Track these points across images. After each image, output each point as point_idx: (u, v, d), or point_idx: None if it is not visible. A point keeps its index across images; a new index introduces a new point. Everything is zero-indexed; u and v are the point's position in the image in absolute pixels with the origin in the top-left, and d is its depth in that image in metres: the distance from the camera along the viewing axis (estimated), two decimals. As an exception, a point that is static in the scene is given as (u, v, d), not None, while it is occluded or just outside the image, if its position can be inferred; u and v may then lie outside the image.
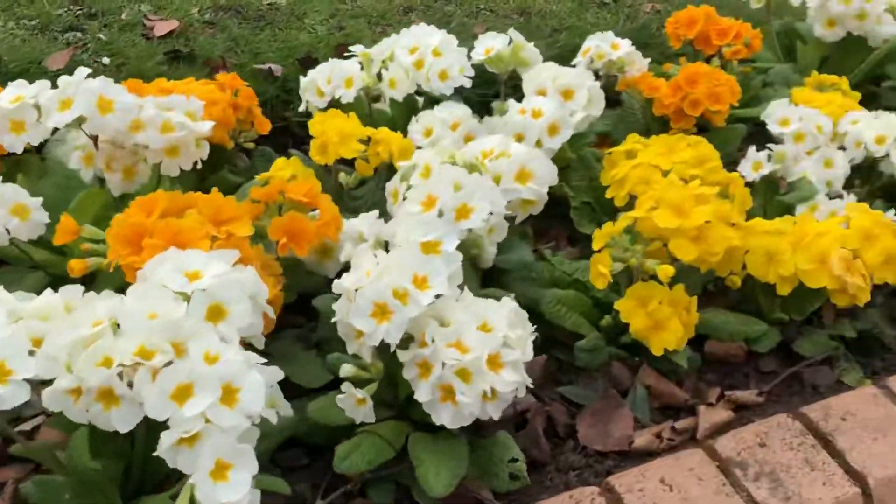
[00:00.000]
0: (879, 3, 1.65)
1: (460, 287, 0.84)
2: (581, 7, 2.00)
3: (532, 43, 1.83)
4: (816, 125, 1.34)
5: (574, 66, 1.52)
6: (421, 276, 0.79)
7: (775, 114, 1.36)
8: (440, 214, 0.89)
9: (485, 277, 1.05)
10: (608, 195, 1.19)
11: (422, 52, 1.26)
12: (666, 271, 0.95)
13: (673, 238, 0.97)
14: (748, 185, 1.35)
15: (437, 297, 0.78)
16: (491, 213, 0.93)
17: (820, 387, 1.09)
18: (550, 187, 1.26)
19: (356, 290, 0.78)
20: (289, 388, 0.94)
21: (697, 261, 0.97)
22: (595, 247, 1.00)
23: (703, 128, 1.48)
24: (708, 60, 1.62)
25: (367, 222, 0.87)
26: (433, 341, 0.77)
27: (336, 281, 0.81)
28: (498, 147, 1.04)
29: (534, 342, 1.04)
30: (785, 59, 1.84)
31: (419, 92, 1.33)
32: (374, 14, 1.80)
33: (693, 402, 1.02)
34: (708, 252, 0.97)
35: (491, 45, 1.35)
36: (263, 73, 1.51)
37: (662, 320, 0.98)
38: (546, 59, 1.74)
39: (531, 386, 0.82)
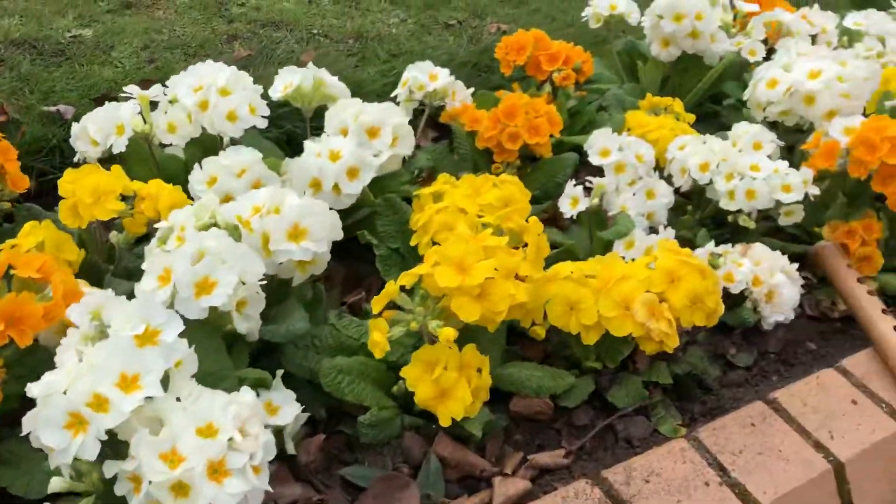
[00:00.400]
0: (712, 21, 1.63)
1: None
2: (423, 29, 1.92)
3: (366, 69, 1.75)
4: (637, 155, 1.29)
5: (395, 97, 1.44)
6: (131, 374, 0.67)
7: (596, 144, 1.31)
8: (176, 291, 0.78)
9: (261, 350, 0.94)
10: (412, 242, 1.11)
11: (206, 92, 1.14)
12: (447, 334, 0.87)
13: (455, 297, 0.89)
14: (574, 219, 1.30)
15: (150, 398, 0.67)
16: (244, 283, 0.83)
17: (634, 439, 1.02)
18: (358, 232, 1.17)
19: (47, 397, 0.66)
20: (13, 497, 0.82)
21: (482, 320, 0.89)
22: (375, 310, 0.91)
23: (534, 158, 1.43)
24: (540, 86, 1.57)
25: (82, 306, 0.75)
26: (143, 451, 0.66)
27: (28, 385, 0.69)
28: (269, 201, 0.94)
29: (316, 418, 0.96)
30: (628, 78, 1.80)
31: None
32: (192, 44, 1.67)
33: (493, 472, 0.94)
34: (492, 311, 0.89)
35: (289, 80, 1.25)
36: (52, 116, 1.37)
37: (448, 388, 0.89)
38: (380, 87, 1.67)
39: (270, 489, 0.72)
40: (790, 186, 1.25)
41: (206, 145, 1.22)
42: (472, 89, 1.45)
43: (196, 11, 1.78)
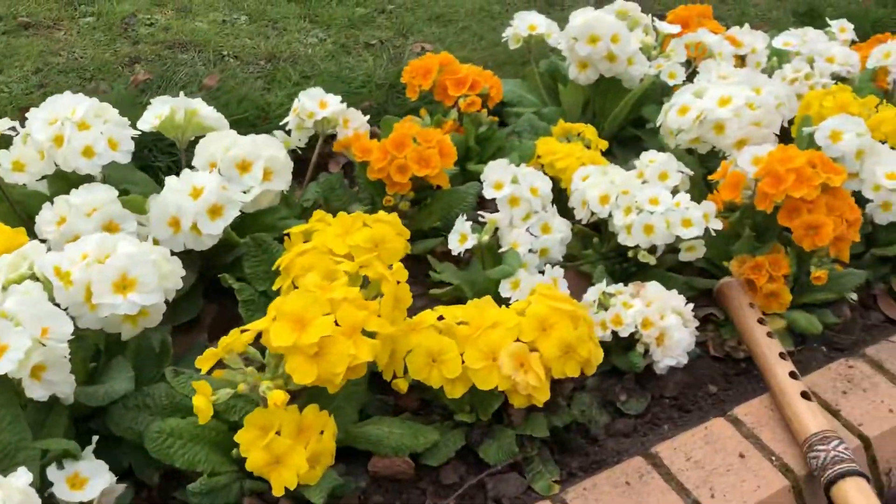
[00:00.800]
0: (629, 43, 1.57)
1: None
2: (342, 49, 1.86)
3: (275, 92, 1.69)
4: (531, 188, 1.23)
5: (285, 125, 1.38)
6: None
7: (490, 176, 1.25)
8: (-42, 358, 0.71)
9: (94, 411, 0.87)
10: (274, 287, 1.04)
11: (61, 126, 1.07)
12: (275, 398, 0.80)
13: (290, 356, 0.82)
14: (466, 253, 1.24)
15: None
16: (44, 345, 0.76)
17: (504, 498, 0.96)
18: (219, 275, 1.10)
19: None
20: None
21: (319, 381, 0.83)
22: (203, 369, 0.84)
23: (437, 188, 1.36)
24: (447, 112, 1.50)
25: None
26: None
27: None
28: (97, 249, 0.87)
29: (148, 484, 0.89)
30: (551, 101, 1.74)
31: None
32: (90, 67, 1.60)
33: (339, 541, 0.87)
34: (329, 372, 0.82)
35: (160, 110, 1.18)
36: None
37: (282, 454, 0.82)
38: (286, 111, 1.60)
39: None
40: (690, 221, 1.19)
41: (72, 180, 1.15)
42: (366, 118, 1.39)
43: (100, 32, 1.71)
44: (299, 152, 1.38)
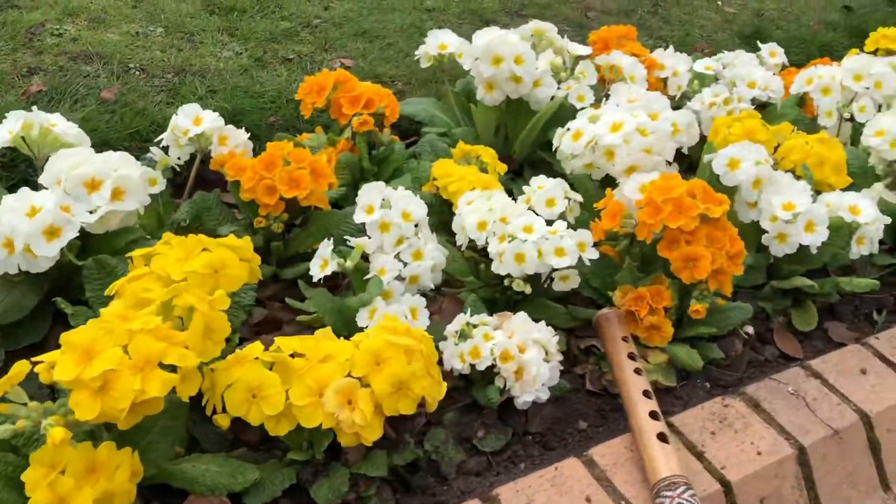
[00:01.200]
0: (534, 65, 1.53)
1: None
2: (257, 64, 1.82)
3: (179, 106, 1.64)
4: (403, 213, 1.19)
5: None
6: None
7: (362, 200, 1.20)
8: None
9: None
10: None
11: None
12: (55, 436, 0.75)
13: (74, 391, 0.77)
14: (333, 283, 1.20)
15: None
16: None
17: (331, 542, 0.91)
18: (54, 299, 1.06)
19: None
20: None
21: (105, 417, 0.78)
22: (-14, 402, 0.79)
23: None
24: (342, 131, 1.47)
25: None
26: None
27: None
28: None
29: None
30: (466, 122, 1.71)
31: None
32: (-19, 77, 1.56)
33: (136, 587, 0.82)
34: (113, 408, 0.77)
35: (13, 126, 1.14)
36: None
37: (66, 495, 0.77)
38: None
39: None
40: (563, 250, 1.15)
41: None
42: (248, 134, 1.35)
43: (1, 42, 1.67)
44: (177, 169, 1.34)
